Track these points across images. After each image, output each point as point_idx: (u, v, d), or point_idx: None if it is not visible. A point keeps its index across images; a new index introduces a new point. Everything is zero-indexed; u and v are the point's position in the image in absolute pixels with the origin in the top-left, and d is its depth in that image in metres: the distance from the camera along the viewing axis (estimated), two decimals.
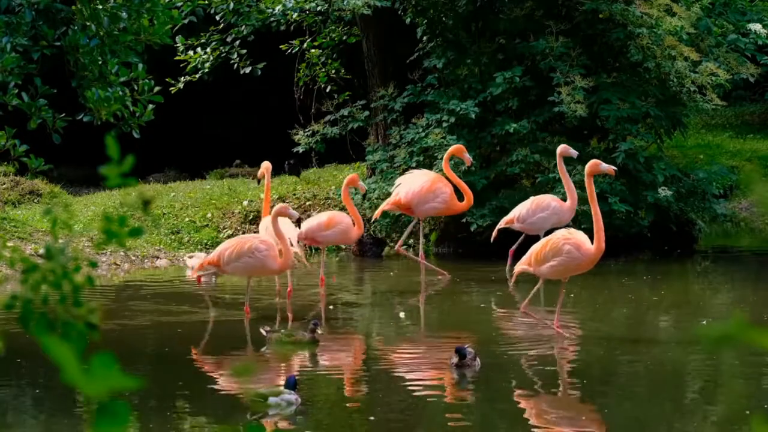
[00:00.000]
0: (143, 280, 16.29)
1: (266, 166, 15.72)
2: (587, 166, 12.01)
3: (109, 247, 12.91)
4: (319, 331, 11.50)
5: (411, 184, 16.04)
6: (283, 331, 11.66)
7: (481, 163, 17.91)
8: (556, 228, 13.82)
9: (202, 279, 16.31)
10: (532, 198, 15.88)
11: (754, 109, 27.17)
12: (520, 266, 11.99)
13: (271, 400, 9.13)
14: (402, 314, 13.56)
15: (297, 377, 9.45)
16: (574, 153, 15.09)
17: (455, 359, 10.22)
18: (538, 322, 12.28)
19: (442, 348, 11.58)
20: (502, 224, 15.89)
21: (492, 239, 16.13)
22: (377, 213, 16.62)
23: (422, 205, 15.95)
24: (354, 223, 15.04)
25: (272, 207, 14.12)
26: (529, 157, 17.39)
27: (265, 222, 15.56)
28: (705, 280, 16.95)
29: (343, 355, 11.68)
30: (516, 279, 12.50)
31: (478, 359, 10.34)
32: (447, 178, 16.09)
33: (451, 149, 16.10)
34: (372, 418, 9.18)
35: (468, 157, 15.95)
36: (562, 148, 15.04)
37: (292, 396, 9.22)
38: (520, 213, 15.76)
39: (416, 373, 10.57)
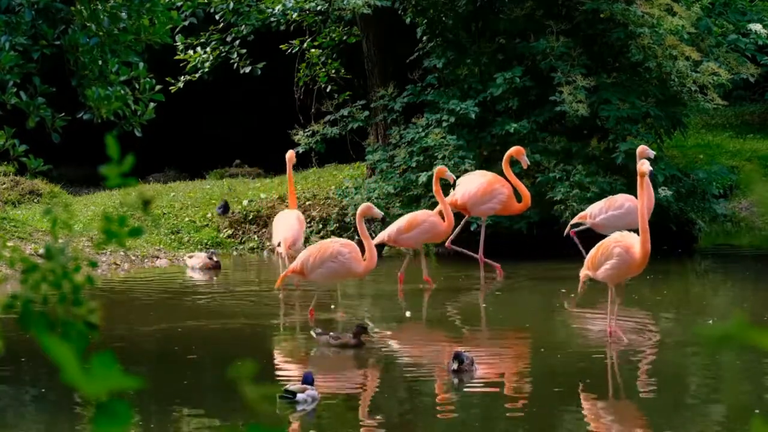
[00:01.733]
0: (143, 280, 16.28)
1: (290, 156, 15.62)
2: (640, 166, 11.90)
3: (109, 247, 12.91)
4: (371, 334, 11.40)
5: (468, 185, 15.94)
6: (331, 333, 11.60)
7: (481, 162, 17.90)
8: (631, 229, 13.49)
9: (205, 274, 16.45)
10: (609, 197, 15.73)
11: (754, 109, 27.17)
12: (584, 271, 11.92)
13: (299, 396, 9.24)
14: (408, 313, 13.53)
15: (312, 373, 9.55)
16: (651, 153, 15.00)
17: (454, 365, 10.18)
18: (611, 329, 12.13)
19: (513, 351, 11.62)
20: (575, 220, 15.80)
21: (565, 234, 15.95)
22: (435, 212, 16.45)
23: (478, 206, 15.82)
24: (444, 219, 14.92)
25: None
26: (530, 157, 17.38)
27: (284, 215, 15.53)
28: (705, 280, 16.95)
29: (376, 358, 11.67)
30: (583, 284, 12.21)
31: (476, 364, 10.31)
32: (506, 179, 16.01)
33: (510, 150, 15.97)
34: (378, 417, 9.18)
35: (525, 159, 15.84)
36: (641, 149, 14.99)
37: (315, 392, 9.37)
38: (592, 210, 15.64)
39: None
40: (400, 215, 17.98)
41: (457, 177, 17.13)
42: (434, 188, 15.22)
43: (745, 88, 26.33)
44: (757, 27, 20.34)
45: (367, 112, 19.13)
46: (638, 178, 11.89)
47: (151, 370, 10.96)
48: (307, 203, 19.56)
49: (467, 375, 10.17)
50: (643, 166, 11.84)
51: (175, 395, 9.81)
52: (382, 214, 13.13)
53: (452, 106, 17.66)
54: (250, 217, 19.50)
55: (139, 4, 10.07)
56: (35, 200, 20.92)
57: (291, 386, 9.36)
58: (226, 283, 16.30)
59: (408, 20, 18.74)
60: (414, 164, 17.84)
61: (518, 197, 16.05)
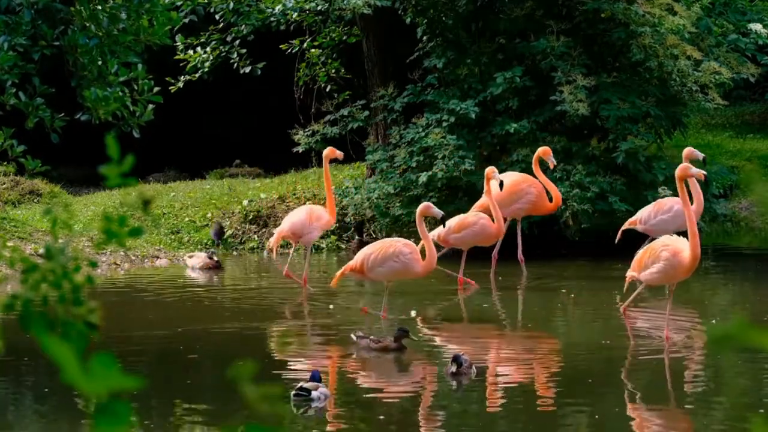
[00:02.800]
0: (143, 280, 16.28)
1: (326, 153, 15.53)
2: (678, 170, 11.80)
3: (109, 246, 12.91)
4: (414, 338, 11.25)
5: (495, 186, 15.87)
6: (372, 336, 11.47)
7: (481, 162, 17.90)
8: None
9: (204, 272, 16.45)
10: (657, 200, 15.61)
11: (754, 109, 27.17)
12: (630, 273, 11.80)
13: (314, 394, 9.29)
14: (413, 312, 13.51)
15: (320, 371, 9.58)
16: (699, 155, 14.92)
17: (453, 368, 10.14)
18: (630, 325, 12.13)
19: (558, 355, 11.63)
20: (626, 225, 15.66)
21: (616, 240, 15.72)
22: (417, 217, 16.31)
23: (506, 206, 15.64)
24: (494, 221, 14.80)
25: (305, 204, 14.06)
26: (530, 157, 17.38)
27: (299, 208, 15.46)
28: (706, 280, 16.93)
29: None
30: (627, 286, 12.06)
31: (474, 367, 10.27)
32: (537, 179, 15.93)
33: (538, 151, 15.89)
34: (381, 417, 9.18)
35: (552, 160, 15.76)
36: (687, 151, 14.90)
37: (326, 389, 9.44)
38: (642, 215, 15.49)
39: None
40: (401, 215, 18.01)
41: (459, 176, 17.13)
42: (485, 188, 15.08)
43: (745, 88, 26.32)
44: (757, 27, 20.34)
45: (367, 112, 19.12)
46: (678, 182, 11.72)
47: (151, 370, 10.96)
48: (307, 203, 19.56)
49: (465, 377, 10.12)
50: (690, 170, 11.72)
51: (175, 395, 9.80)
52: (442, 213, 13.04)
53: (452, 106, 17.65)
54: (250, 217, 19.49)
55: (138, 5, 10.07)
56: (35, 200, 20.92)
57: (305, 384, 9.38)
58: (226, 283, 16.30)
59: (408, 20, 18.73)
60: (414, 164, 17.83)
61: (550, 197, 15.94)
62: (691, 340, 12.06)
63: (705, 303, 14.74)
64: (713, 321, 12.86)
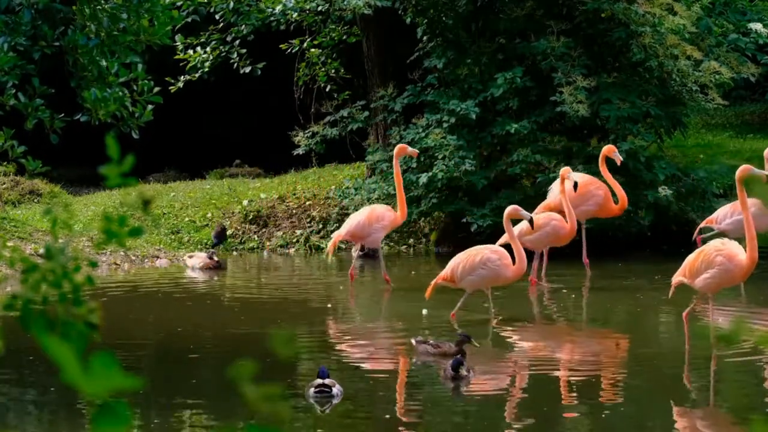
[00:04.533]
0: (143, 280, 16.28)
1: (397, 151, 15.48)
2: (739, 171, 11.69)
3: (109, 247, 12.92)
4: (476, 344, 10.97)
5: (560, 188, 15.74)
6: (431, 341, 11.18)
7: (482, 163, 17.90)
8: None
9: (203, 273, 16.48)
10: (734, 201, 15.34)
11: (754, 109, 27.16)
12: (677, 278, 11.56)
13: (334, 390, 9.33)
14: (424, 311, 13.49)
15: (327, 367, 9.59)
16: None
17: (450, 372, 10.01)
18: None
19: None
20: (703, 224, 15.49)
21: (693, 239, 15.56)
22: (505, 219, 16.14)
23: (573, 208, 15.26)
24: (567, 222, 14.67)
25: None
26: (530, 158, 17.38)
27: (358, 214, 15.43)
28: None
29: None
30: (674, 291, 11.87)
31: (471, 371, 10.15)
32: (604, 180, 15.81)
33: (604, 150, 15.71)
34: (387, 416, 9.17)
35: (618, 156, 15.64)
36: None
37: (339, 385, 9.48)
38: (718, 215, 15.30)
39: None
40: None
41: (459, 177, 17.13)
42: (560, 188, 14.94)
43: (745, 88, 26.32)
44: (757, 26, 20.34)
45: (366, 113, 19.12)
46: (738, 184, 11.64)
47: (151, 370, 10.96)
48: (307, 203, 19.56)
49: (464, 381, 9.99)
50: (753, 171, 11.57)
51: (175, 395, 9.80)
52: (530, 215, 12.94)
53: (452, 106, 17.64)
54: (250, 217, 19.49)
55: (139, 5, 10.07)
56: (35, 200, 20.92)
57: (326, 380, 9.40)
58: (226, 283, 16.30)
59: (408, 20, 18.73)
60: (414, 164, 17.83)
61: (615, 199, 15.81)
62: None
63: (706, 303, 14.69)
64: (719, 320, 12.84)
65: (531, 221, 13.01)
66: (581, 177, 15.83)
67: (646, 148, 17.96)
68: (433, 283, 12.99)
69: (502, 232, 17.05)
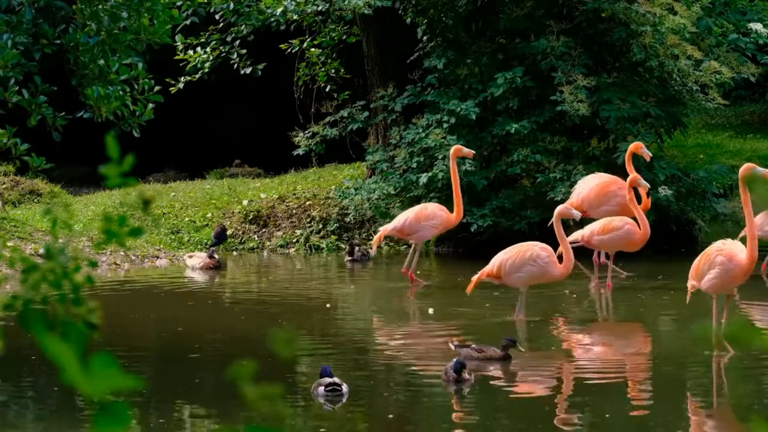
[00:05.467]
0: (143, 280, 16.28)
1: (453, 152, 15.50)
2: (742, 170, 11.63)
3: (109, 247, 12.91)
4: (521, 348, 10.75)
5: (583, 187, 15.61)
6: (472, 345, 10.88)
7: (481, 163, 17.89)
8: None
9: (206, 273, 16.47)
10: None
11: (754, 109, 27.16)
12: (690, 282, 11.48)
13: (344, 389, 9.35)
14: (431, 310, 13.48)
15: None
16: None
17: (452, 374, 9.84)
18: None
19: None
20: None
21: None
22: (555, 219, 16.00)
23: (595, 208, 15.33)
24: (639, 226, 14.49)
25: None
26: (530, 158, 17.37)
27: (408, 211, 15.46)
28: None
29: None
30: (690, 297, 11.78)
31: (473, 374, 9.98)
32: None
33: (631, 147, 15.57)
34: (390, 416, 9.17)
35: (647, 152, 15.51)
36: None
37: (345, 384, 9.50)
38: (757, 221, 14.91)
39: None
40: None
41: (461, 177, 17.11)
42: (627, 196, 14.78)
43: (745, 88, 26.32)
44: (757, 26, 20.33)
45: (366, 113, 19.11)
46: (741, 182, 11.55)
47: (151, 370, 10.95)
48: (307, 203, 19.56)
49: (466, 384, 9.84)
50: (756, 170, 11.52)
51: (175, 395, 9.80)
52: (580, 215, 12.88)
53: (452, 106, 17.63)
54: (250, 217, 19.49)
55: (139, 4, 10.07)
56: (35, 200, 20.92)
57: (335, 379, 9.41)
58: (226, 283, 16.30)
59: (408, 20, 18.72)
60: (414, 165, 17.82)
61: (638, 199, 15.68)
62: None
63: (708, 304, 14.69)
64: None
65: (581, 220, 12.90)
66: (602, 177, 15.79)
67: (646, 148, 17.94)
68: (476, 278, 12.87)
69: (503, 231, 17.08)
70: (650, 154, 15.61)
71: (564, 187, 16.99)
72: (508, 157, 17.72)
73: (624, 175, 17.13)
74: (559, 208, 12.91)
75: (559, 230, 12.73)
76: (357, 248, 17.56)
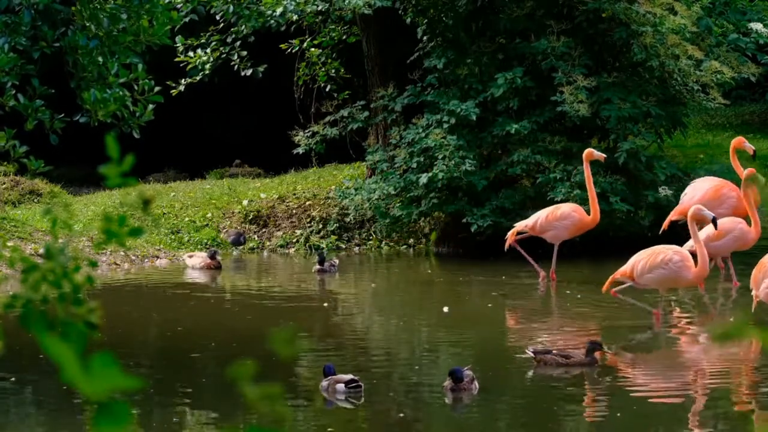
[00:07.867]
0: (143, 280, 16.28)
1: (586, 155, 15.49)
2: (734, 141, 11.64)
3: (109, 246, 12.91)
4: (608, 351, 10.61)
5: (695, 191, 15.49)
6: (554, 350, 10.59)
7: (482, 163, 17.88)
8: None
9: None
10: None
11: (754, 109, 27.16)
12: (754, 292, 11.44)
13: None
14: (445, 309, 13.45)
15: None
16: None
17: (449, 382, 9.51)
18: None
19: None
20: None
21: None
22: (666, 223, 15.92)
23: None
24: (751, 226, 14.38)
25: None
26: (530, 158, 17.37)
27: (544, 210, 15.39)
28: (709, 279, 16.91)
29: None
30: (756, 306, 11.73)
31: (476, 382, 9.62)
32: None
33: (733, 143, 15.43)
34: (401, 415, 9.16)
35: (750, 146, 15.41)
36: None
37: None
38: None
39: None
40: (401, 216, 17.97)
41: (460, 177, 17.11)
42: (742, 193, 14.68)
43: (745, 88, 26.33)
44: (757, 26, 20.34)
45: (366, 113, 19.10)
46: (732, 153, 11.56)
47: (151, 370, 10.95)
48: (307, 203, 19.56)
49: (466, 393, 9.53)
50: (738, 150, 11.54)
51: (175, 395, 9.80)
52: (713, 215, 12.68)
53: (452, 106, 17.62)
54: (250, 217, 19.49)
55: (138, 5, 10.07)
56: (35, 200, 20.92)
57: (353, 376, 9.43)
58: (226, 283, 16.29)
59: (408, 20, 18.72)
60: (414, 165, 17.81)
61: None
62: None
63: (712, 302, 14.68)
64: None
65: (714, 221, 12.81)
66: (713, 180, 15.71)
67: (647, 148, 17.96)
68: (611, 277, 12.89)
69: (503, 232, 17.06)
70: (753, 148, 15.59)
71: (564, 187, 16.98)
72: (508, 157, 17.71)
73: (624, 174, 17.15)
74: (692, 210, 12.79)
75: (693, 231, 12.64)
76: (326, 261, 16.59)
